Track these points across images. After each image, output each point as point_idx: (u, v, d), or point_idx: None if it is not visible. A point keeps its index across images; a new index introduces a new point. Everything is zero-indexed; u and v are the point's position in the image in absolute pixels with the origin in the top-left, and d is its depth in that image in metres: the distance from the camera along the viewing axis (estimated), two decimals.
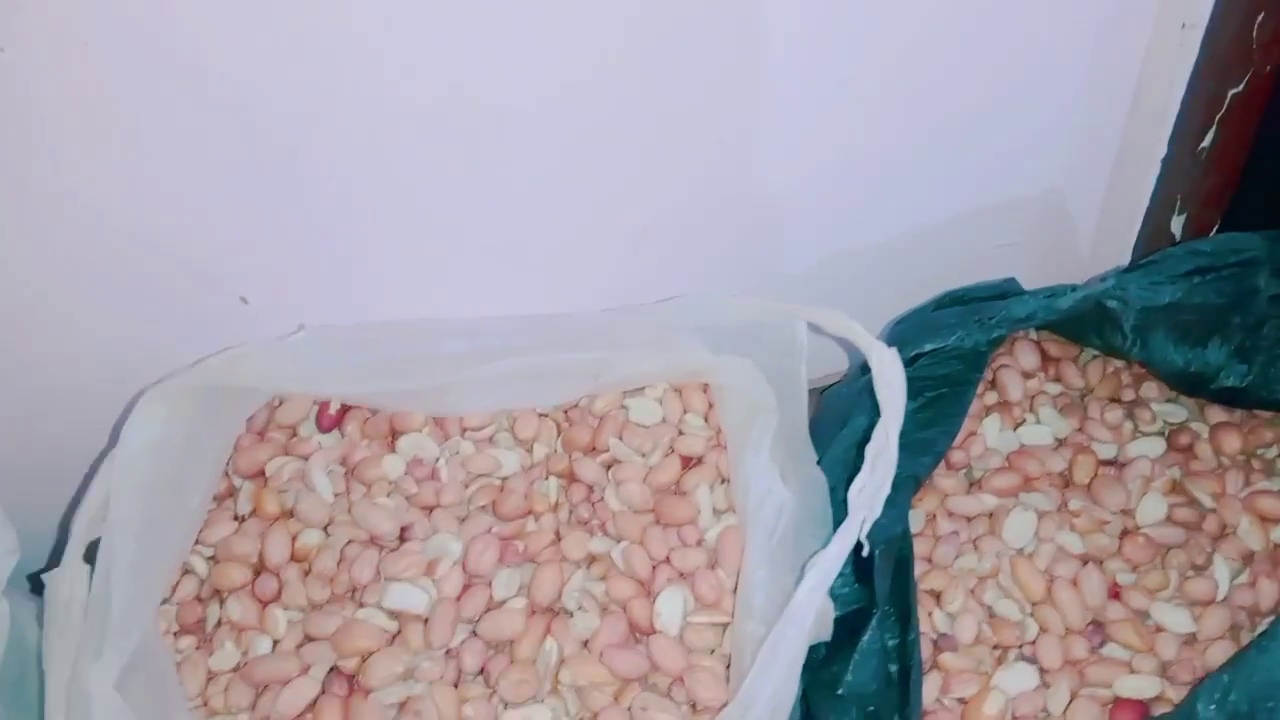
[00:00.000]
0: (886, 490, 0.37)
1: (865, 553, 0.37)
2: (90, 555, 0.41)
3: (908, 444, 0.42)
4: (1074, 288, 0.47)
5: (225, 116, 0.40)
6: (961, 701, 0.42)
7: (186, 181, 0.42)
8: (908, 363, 0.47)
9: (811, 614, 0.36)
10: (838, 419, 0.48)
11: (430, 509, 0.45)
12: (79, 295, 0.45)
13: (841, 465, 0.45)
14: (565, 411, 0.49)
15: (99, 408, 0.47)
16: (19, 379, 0.46)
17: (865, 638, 0.40)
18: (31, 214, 0.42)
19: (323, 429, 0.48)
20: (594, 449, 0.47)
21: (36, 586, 0.42)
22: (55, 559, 0.42)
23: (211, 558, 0.44)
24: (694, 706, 0.41)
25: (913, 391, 0.45)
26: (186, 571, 0.44)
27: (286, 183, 0.43)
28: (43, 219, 0.43)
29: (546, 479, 0.47)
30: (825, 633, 0.39)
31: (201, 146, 0.41)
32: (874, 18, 0.45)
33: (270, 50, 0.38)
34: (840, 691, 0.40)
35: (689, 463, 0.47)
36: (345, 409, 0.49)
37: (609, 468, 0.47)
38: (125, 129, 0.40)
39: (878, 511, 0.36)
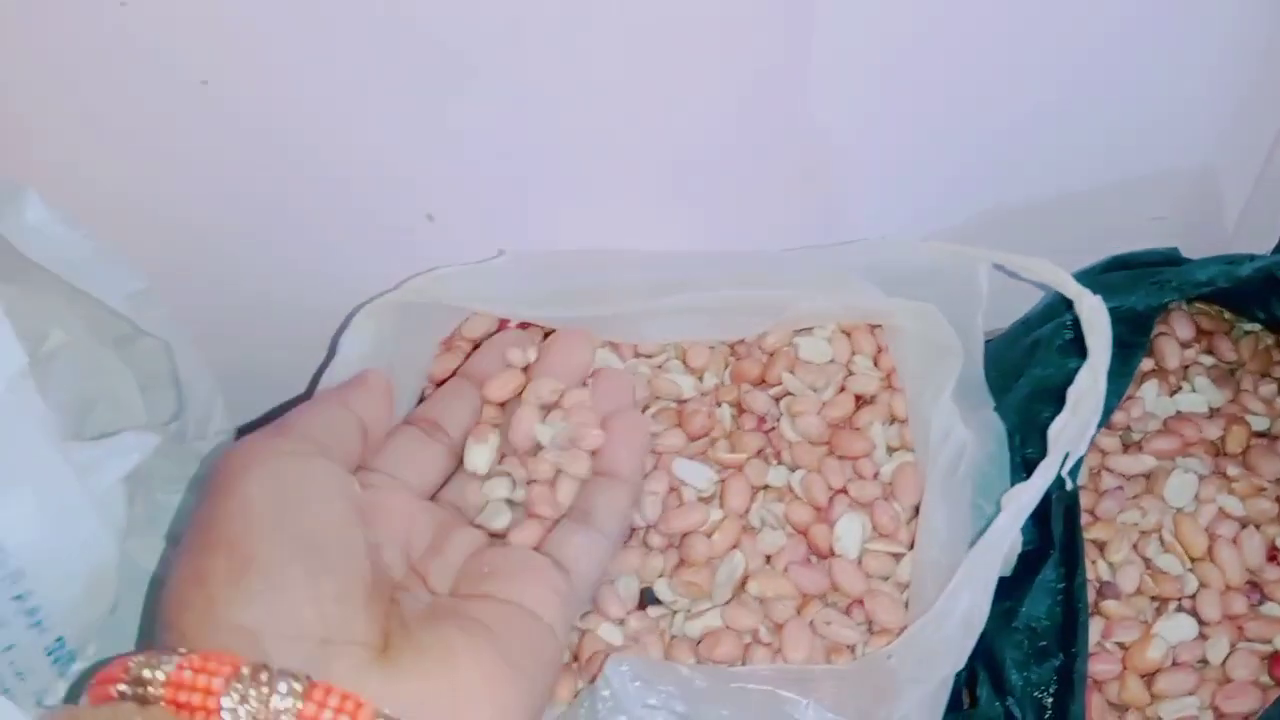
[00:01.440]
0: (1092, 431, 0.38)
1: (1070, 487, 0.38)
2: None
3: None
4: (1251, 257, 0.48)
5: (411, 32, 0.42)
6: (1122, 646, 0.44)
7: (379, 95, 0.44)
8: (1076, 321, 0.48)
9: (1009, 540, 0.38)
10: (999, 372, 0.49)
11: None
12: (285, 214, 0.47)
13: (1016, 414, 0.46)
14: (731, 346, 0.51)
15: (306, 326, 0.49)
16: (247, 306, 0.49)
17: (1042, 574, 0.42)
18: (254, 147, 0.45)
19: None
20: (763, 382, 0.49)
21: None
22: None
23: None
24: (870, 627, 0.42)
25: (1083, 351, 0.46)
26: None
27: (471, 104, 0.45)
28: (259, 151, 0.45)
29: (720, 406, 0.49)
30: (1008, 567, 0.41)
31: (392, 62, 0.43)
32: None
33: None
34: (1015, 624, 0.42)
35: (860, 401, 0.48)
36: (524, 326, 0.50)
37: (778, 400, 0.49)
38: (320, 45, 0.42)
39: (1082, 450, 0.38)
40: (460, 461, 0.41)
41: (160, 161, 0.45)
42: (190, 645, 0.27)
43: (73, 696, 0.34)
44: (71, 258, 0.38)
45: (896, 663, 0.37)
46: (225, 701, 0.25)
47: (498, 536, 0.39)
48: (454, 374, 0.47)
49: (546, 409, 0.43)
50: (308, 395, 0.46)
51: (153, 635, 0.29)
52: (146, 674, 0.26)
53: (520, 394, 0.44)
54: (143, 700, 0.26)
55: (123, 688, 0.26)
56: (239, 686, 0.25)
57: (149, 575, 0.37)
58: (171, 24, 0.41)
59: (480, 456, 0.40)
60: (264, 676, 0.26)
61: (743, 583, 0.43)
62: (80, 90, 0.42)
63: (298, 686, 0.26)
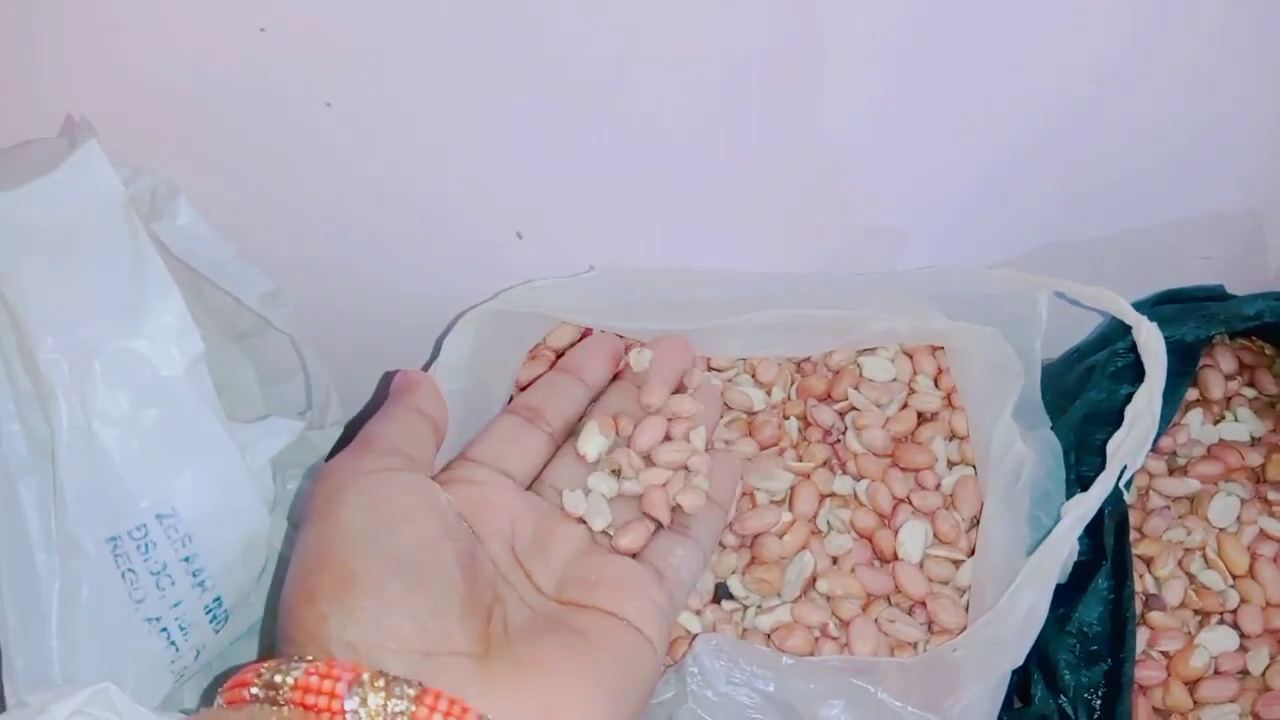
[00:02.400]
0: (1148, 446, 0.41)
1: (1126, 499, 0.41)
2: None
3: None
4: None
5: (508, 70, 0.46)
6: (1166, 655, 0.47)
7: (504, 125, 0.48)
8: (1131, 349, 0.51)
9: (1069, 545, 0.41)
10: (1054, 396, 0.52)
11: None
12: (388, 231, 0.52)
13: (1071, 435, 0.49)
14: (797, 364, 0.54)
15: (407, 334, 0.54)
16: (355, 314, 0.53)
17: (1094, 583, 0.45)
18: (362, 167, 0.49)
19: None
20: (829, 398, 0.52)
21: None
22: None
23: None
24: (931, 627, 0.45)
25: (1135, 378, 0.49)
26: None
27: (570, 126, 0.49)
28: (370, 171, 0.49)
29: (787, 419, 0.52)
30: (1064, 574, 0.44)
31: (488, 91, 0.47)
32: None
33: None
34: (1069, 628, 0.44)
35: (922, 418, 0.51)
36: None
37: (843, 415, 0.52)
38: (427, 74, 0.45)
39: (1139, 463, 0.41)
40: (556, 449, 0.43)
41: (278, 181, 0.49)
42: (310, 657, 0.30)
43: (207, 700, 0.37)
44: (214, 259, 0.41)
45: (962, 656, 0.40)
46: (348, 704, 0.28)
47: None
48: (552, 366, 0.51)
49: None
50: None
51: (274, 640, 0.32)
52: (278, 679, 0.29)
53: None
54: (274, 702, 0.29)
55: (255, 690, 0.29)
56: (360, 691, 0.28)
57: (276, 554, 0.40)
58: (304, 48, 0.45)
59: (595, 444, 0.42)
60: (381, 683, 0.29)
61: (811, 581, 0.46)
62: (219, 108, 0.46)
63: (411, 692, 0.29)
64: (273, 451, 0.37)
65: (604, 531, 0.41)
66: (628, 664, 0.34)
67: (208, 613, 0.35)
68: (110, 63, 0.43)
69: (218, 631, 0.36)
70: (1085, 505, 0.40)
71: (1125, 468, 0.41)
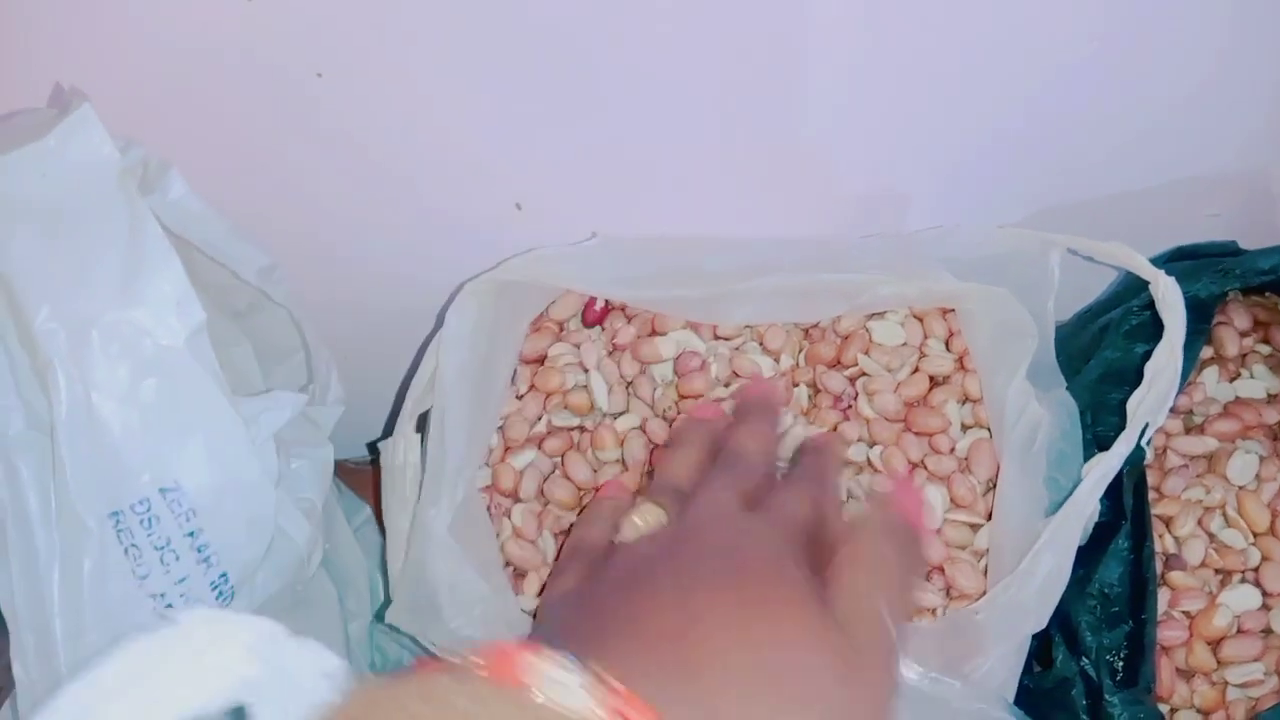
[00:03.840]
0: (1170, 402, 0.40)
1: (1148, 457, 0.40)
2: (419, 426, 0.46)
3: None
4: None
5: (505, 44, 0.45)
6: (1188, 615, 0.46)
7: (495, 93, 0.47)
8: (1145, 306, 0.50)
9: (1091, 507, 0.40)
10: (1066, 356, 0.51)
11: (698, 397, 0.50)
12: (389, 204, 0.51)
13: (1087, 394, 0.48)
14: (806, 330, 0.53)
15: (410, 307, 0.53)
16: (356, 287, 0.52)
17: (1114, 543, 0.44)
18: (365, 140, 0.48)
19: (586, 323, 0.53)
20: (838, 364, 0.51)
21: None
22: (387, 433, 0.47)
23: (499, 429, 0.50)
24: (948, 592, 0.45)
25: (1150, 336, 0.48)
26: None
27: (569, 97, 0.48)
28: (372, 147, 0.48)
29: (796, 386, 0.51)
30: (1084, 535, 0.43)
31: (483, 63, 0.46)
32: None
33: None
34: (1090, 589, 0.44)
35: (934, 382, 0.50)
36: (608, 308, 0.53)
37: (854, 381, 0.51)
38: (422, 47, 0.44)
39: (1160, 420, 0.40)
40: None
41: (270, 155, 0.48)
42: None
43: None
44: (208, 234, 0.40)
45: (983, 619, 0.39)
46: None
47: None
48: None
49: None
50: (414, 366, 0.49)
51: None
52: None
53: None
54: None
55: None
56: None
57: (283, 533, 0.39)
58: (292, 18, 0.44)
59: None
60: None
61: None
62: (208, 81, 0.45)
63: None
64: (277, 425, 0.36)
65: None
66: None
67: (214, 589, 0.35)
68: (97, 34, 0.42)
69: (224, 608, 0.36)
70: (1107, 465, 0.40)
71: (1147, 426, 0.40)
